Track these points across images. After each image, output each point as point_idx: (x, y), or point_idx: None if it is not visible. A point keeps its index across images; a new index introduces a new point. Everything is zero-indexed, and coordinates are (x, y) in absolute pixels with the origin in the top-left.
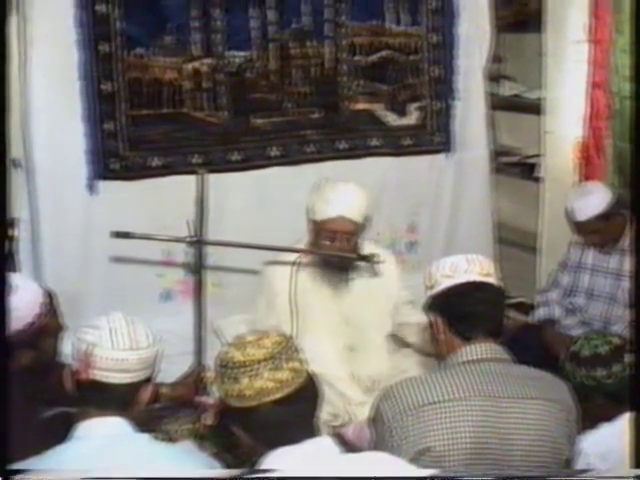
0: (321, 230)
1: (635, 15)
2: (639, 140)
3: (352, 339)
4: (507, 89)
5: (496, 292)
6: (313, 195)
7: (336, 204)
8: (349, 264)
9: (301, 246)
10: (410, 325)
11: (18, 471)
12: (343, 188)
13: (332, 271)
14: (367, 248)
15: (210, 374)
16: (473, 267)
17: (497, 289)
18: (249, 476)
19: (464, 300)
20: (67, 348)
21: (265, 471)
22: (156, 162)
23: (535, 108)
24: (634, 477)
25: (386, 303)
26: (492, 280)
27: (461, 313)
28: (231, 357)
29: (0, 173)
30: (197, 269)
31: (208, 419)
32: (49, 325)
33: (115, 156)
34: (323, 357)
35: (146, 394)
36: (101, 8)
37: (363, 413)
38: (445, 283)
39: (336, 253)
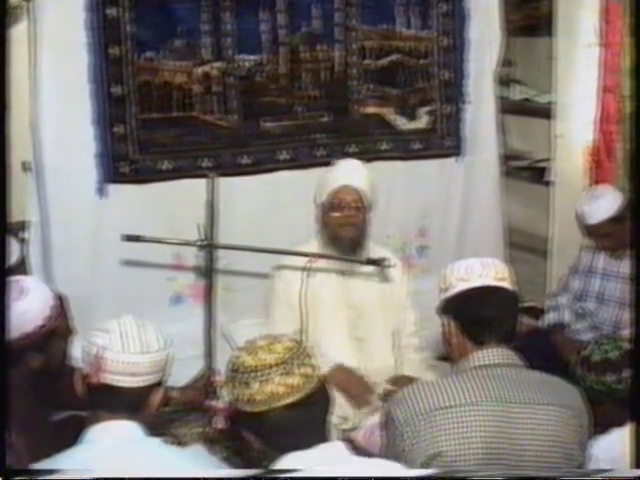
0: (328, 206)
1: (636, 16)
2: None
3: (361, 330)
4: (517, 93)
5: (510, 297)
6: (317, 183)
7: (339, 175)
8: (358, 246)
9: (313, 243)
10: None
11: (18, 471)
12: (344, 162)
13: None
14: (374, 251)
15: (220, 378)
16: (488, 271)
17: (511, 294)
18: (260, 476)
19: (478, 304)
20: (77, 351)
21: (276, 472)
22: (166, 165)
23: (545, 112)
24: (635, 477)
25: (391, 300)
26: (507, 284)
27: (474, 317)
28: (242, 362)
29: (2, 176)
30: (207, 273)
31: (218, 423)
32: (59, 328)
33: (125, 159)
34: (334, 352)
35: (157, 398)
36: (111, 11)
37: (373, 415)
38: (459, 286)
39: (347, 258)
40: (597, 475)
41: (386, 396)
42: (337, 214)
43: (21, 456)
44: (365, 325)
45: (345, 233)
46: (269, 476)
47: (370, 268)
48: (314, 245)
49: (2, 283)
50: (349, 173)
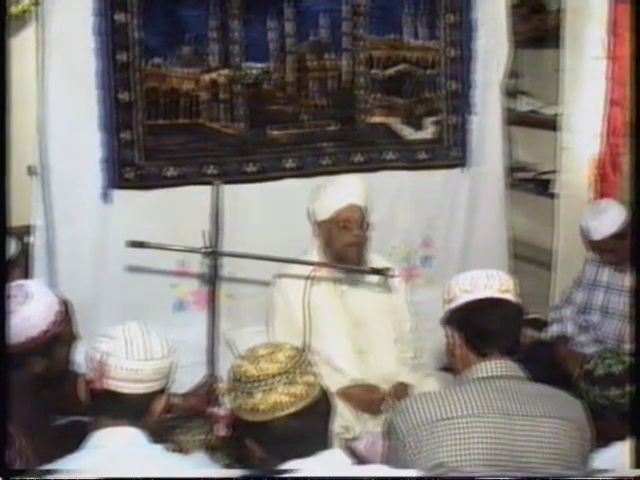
0: (333, 225)
1: (635, 27)
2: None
3: (361, 341)
4: (524, 105)
5: (514, 309)
6: (314, 198)
7: (342, 195)
8: (360, 263)
9: (313, 253)
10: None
11: (18, 471)
12: (343, 179)
13: (340, 273)
14: (370, 259)
15: (222, 385)
16: (492, 283)
17: (515, 306)
18: (260, 477)
19: (482, 316)
20: (80, 357)
21: (276, 472)
22: (171, 172)
23: (552, 124)
24: (635, 477)
25: (390, 308)
26: (511, 296)
27: (478, 329)
28: (244, 371)
29: (2, 179)
30: (211, 280)
31: (220, 430)
32: (63, 334)
33: (130, 165)
34: (337, 361)
35: (160, 405)
36: (120, 17)
37: (375, 425)
38: (464, 298)
39: (350, 267)
40: (597, 475)
41: (392, 396)
42: (345, 234)
43: (29, 461)
44: (365, 334)
45: (352, 253)
46: (269, 476)
47: (370, 278)
48: (313, 258)
49: (2, 286)
50: (352, 191)
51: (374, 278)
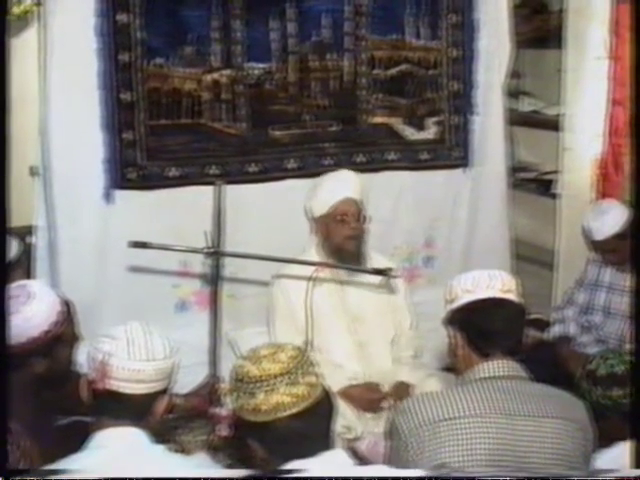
0: (330, 220)
1: (636, 26)
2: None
3: (361, 336)
4: (526, 105)
5: (516, 309)
6: (310, 196)
7: (337, 189)
8: (360, 257)
9: (312, 251)
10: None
11: (19, 471)
12: (337, 175)
13: (339, 268)
14: (370, 258)
15: (224, 385)
16: (495, 283)
17: (517, 306)
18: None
19: (484, 316)
20: (82, 357)
21: (277, 472)
22: (174, 172)
23: (554, 124)
24: (635, 477)
25: (389, 306)
26: (513, 296)
27: (480, 329)
28: (247, 372)
29: (2, 180)
30: (213, 280)
31: (222, 431)
32: (65, 334)
33: (133, 165)
34: (338, 358)
35: (162, 405)
36: (122, 17)
37: (376, 425)
38: (465, 298)
39: (355, 268)
40: (599, 475)
41: (392, 396)
42: (343, 227)
43: (33, 461)
44: (365, 330)
45: (351, 246)
46: (271, 477)
47: (370, 277)
48: (312, 256)
49: (3, 287)
50: (347, 185)
51: (375, 277)
